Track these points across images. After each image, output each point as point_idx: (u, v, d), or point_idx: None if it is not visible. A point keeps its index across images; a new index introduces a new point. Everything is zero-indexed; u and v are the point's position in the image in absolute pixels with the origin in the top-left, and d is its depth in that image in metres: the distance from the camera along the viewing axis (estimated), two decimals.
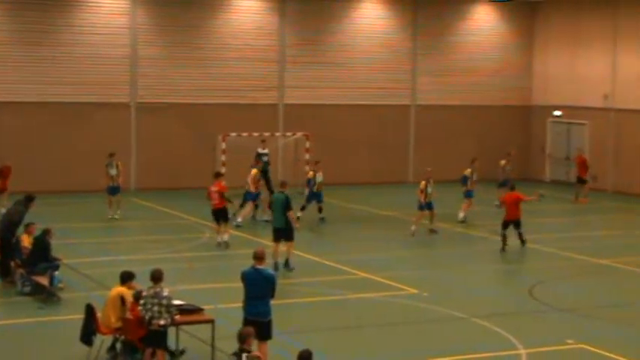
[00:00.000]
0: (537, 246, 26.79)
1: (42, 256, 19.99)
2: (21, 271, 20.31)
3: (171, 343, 15.41)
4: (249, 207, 29.55)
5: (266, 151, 34.23)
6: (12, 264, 20.84)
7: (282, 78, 39.40)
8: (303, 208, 30.14)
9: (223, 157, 35.20)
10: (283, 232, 22.87)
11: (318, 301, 20.49)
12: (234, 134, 35.95)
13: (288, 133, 38.31)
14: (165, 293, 14.69)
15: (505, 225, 26.42)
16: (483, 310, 19.53)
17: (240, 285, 14.83)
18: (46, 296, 19.51)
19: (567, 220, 33.89)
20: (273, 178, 33.07)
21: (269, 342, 14.70)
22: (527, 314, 19.64)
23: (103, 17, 36.59)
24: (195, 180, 35.49)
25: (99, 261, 23.70)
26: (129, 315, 15.17)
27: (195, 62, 37.93)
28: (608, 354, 16.51)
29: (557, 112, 39.80)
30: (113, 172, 30.06)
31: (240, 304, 14.80)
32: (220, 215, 25.61)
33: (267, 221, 28.26)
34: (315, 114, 39.59)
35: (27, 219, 21.72)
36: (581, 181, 37.16)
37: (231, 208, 26.65)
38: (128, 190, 31.84)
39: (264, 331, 14.40)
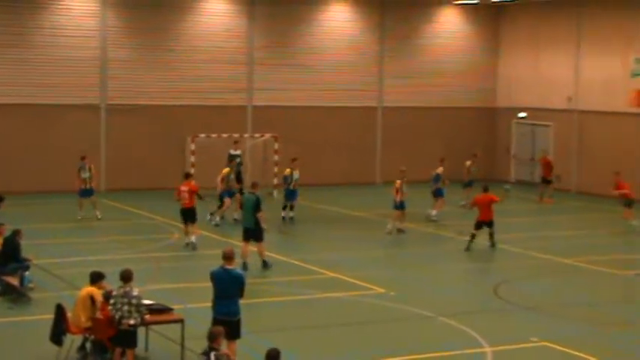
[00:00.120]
0: (504, 246, 27.05)
1: (12, 256, 19.97)
2: None
3: (141, 342, 15.47)
4: (225, 204, 29.67)
5: (238, 152, 34.34)
6: None
7: (250, 80, 39.54)
8: (285, 207, 30.57)
9: (193, 158, 35.37)
10: (252, 233, 23.04)
11: (287, 300, 20.61)
12: (203, 135, 36.12)
13: (257, 135, 38.48)
14: (135, 293, 14.69)
15: (478, 225, 26.74)
16: (450, 308, 19.71)
17: (209, 285, 14.92)
18: (16, 296, 19.49)
19: (532, 219, 34.25)
20: (244, 179, 33.24)
21: (238, 341, 14.78)
22: (492, 313, 19.85)
23: (73, 19, 36.57)
24: (165, 181, 35.58)
25: (69, 261, 23.71)
26: (99, 315, 15.17)
27: (164, 64, 38.03)
28: (570, 351, 16.74)
29: (521, 114, 40.18)
30: (86, 175, 30.07)
31: (210, 304, 14.88)
32: (188, 216, 25.66)
33: (236, 220, 28.47)
34: (284, 116, 39.78)
35: None
36: (545, 181, 37.70)
37: (205, 207, 26.68)
38: (98, 191, 31.84)
39: (233, 331, 14.43)
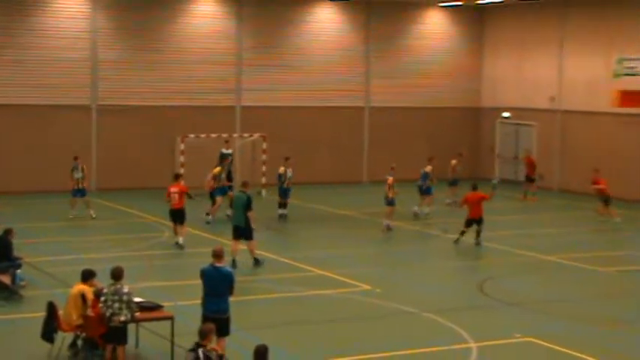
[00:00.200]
0: (489, 243, 27.28)
1: (4, 254, 20.05)
2: None
3: (131, 339, 15.63)
4: (217, 203, 29.88)
5: (230, 151, 34.51)
6: None
7: (239, 80, 39.75)
8: (280, 206, 30.94)
9: (182, 158, 35.55)
10: (242, 231, 23.19)
11: (276, 297, 20.74)
12: (192, 136, 36.33)
13: (246, 135, 38.72)
14: (126, 290, 14.78)
15: (468, 223, 27.09)
16: (435, 305, 19.91)
17: (199, 282, 15.03)
18: (8, 294, 19.59)
19: (517, 217, 34.41)
20: (234, 178, 33.46)
21: (227, 337, 14.91)
22: (478, 309, 20.06)
23: (64, 21, 36.68)
24: (155, 180, 35.82)
25: (61, 260, 23.81)
26: (90, 312, 15.21)
27: (154, 65, 38.18)
28: (554, 347, 16.96)
29: (505, 114, 40.46)
30: (78, 175, 30.20)
31: (199, 301, 15.01)
32: (178, 216, 25.86)
33: (229, 216, 28.70)
34: (272, 115, 40.01)
35: None
36: (529, 180, 38.09)
37: (197, 207, 26.81)
38: (89, 191, 32.01)
39: (222, 328, 14.54)
